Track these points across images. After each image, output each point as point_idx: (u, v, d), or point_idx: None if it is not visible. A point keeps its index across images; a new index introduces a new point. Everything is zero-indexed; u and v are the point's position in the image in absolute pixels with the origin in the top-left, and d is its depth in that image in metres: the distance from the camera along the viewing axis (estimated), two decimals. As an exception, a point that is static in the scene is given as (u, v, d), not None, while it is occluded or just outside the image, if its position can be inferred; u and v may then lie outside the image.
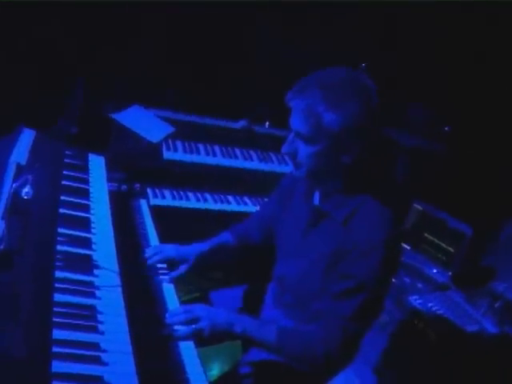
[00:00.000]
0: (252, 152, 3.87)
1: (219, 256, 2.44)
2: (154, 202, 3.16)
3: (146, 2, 3.61)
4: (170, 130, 3.48)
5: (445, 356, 3.14)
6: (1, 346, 1.31)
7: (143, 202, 2.79)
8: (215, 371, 2.36)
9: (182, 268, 2.27)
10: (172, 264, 2.28)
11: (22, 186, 1.63)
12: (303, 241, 2.13)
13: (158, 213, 2.76)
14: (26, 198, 1.64)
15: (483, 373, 3.04)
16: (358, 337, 1.99)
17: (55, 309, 1.55)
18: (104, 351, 1.47)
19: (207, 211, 3.45)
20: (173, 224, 2.55)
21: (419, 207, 3.97)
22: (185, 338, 1.79)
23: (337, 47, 4.40)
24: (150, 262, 2.23)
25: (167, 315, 1.86)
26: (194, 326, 1.82)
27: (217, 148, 3.74)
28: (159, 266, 2.25)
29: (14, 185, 1.61)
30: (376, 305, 1.99)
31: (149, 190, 3.27)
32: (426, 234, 3.91)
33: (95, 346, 1.48)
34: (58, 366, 1.34)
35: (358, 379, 3.48)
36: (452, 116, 4.68)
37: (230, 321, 1.91)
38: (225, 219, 2.71)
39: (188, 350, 1.73)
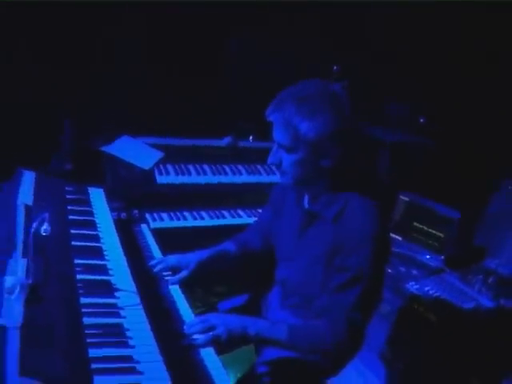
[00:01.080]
0: (240, 166, 3.98)
1: (220, 263, 2.53)
2: (153, 225, 3.25)
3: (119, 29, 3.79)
4: (160, 155, 3.60)
5: (447, 335, 3.23)
6: (45, 371, 1.44)
7: (144, 226, 2.90)
8: (233, 377, 2.46)
9: (184, 273, 2.37)
10: (175, 271, 2.40)
11: (41, 224, 1.76)
12: (299, 243, 2.27)
13: (159, 234, 2.85)
14: (44, 234, 1.78)
15: (484, 346, 3.14)
16: (362, 325, 2.13)
17: (87, 331, 1.69)
18: (137, 362, 1.61)
19: (205, 228, 3.56)
20: (174, 243, 2.58)
21: (405, 198, 4.08)
22: (204, 345, 1.89)
23: (310, 53, 4.58)
24: (155, 270, 2.36)
25: (185, 326, 1.96)
26: (211, 333, 1.92)
27: (206, 167, 3.84)
28: (165, 273, 2.38)
29: (34, 224, 1.73)
30: (374, 294, 2.14)
31: (147, 215, 3.35)
32: (415, 223, 4.03)
33: (129, 359, 1.62)
34: (99, 381, 1.48)
35: (367, 369, 3.64)
36: (426, 108, 4.83)
37: (244, 324, 2.04)
38: (222, 233, 2.74)
39: (209, 356, 1.84)
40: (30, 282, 1.71)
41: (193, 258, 2.43)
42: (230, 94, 4.40)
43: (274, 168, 3.98)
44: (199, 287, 2.48)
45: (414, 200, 4.07)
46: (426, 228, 3.99)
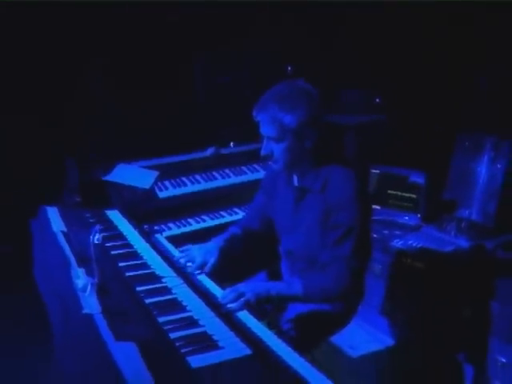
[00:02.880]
0: (227, 170, 4.33)
1: (234, 245, 2.83)
2: (164, 235, 3.48)
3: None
4: (156, 174, 3.94)
5: (435, 278, 3.59)
6: (133, 335, 1.86)
7: (159, 235, 3.24)
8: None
9: (211, 261, 2.64)
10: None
11: (95, 235, 2.19)
12: (296, 216, 2.71)
13: (171, 242, 3.14)
14: (97, 243, 2.20)
15: (468, 279, 3.47)
16: (360, 270, 2.60)
17: (151, 307, 2.14)
18: (197, 319, 2.08)
19: (208, 229, 3.87)
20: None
21: (376, 171, 4.45)
22: (239, 309, 2.23)
23: (264, 55, 4.97)
24: (180, 264, 2.70)
25: (220, 298, 2.29)
26: (242, 299, 2.26)
27: (198, 176, 4.19)
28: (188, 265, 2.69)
29: (91, 236, 2.16)
30: (365, 241, 2.60)
31: (156, 228, 3.59)
32: (389, 191, 4.41)
33: (189, 318, 2.09)
34: (195, 361, 1.79)
35: (371, 325, 4.00)
36: (379, 87, 5.23)
37: (267, 288, 2.45)
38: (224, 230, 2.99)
39: (247, 317, 2.21)
40: (96, 281, 2.15)
41: (212, 246, 2.73)
42: (202, 108, 4.78)
43: (256, 166, 4.45)
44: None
45: (384, 170, 4.45)
46: (399, 193, 4.37)
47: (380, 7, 4.79)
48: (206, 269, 2.65)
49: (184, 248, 2.86)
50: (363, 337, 4.00)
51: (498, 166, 4.05)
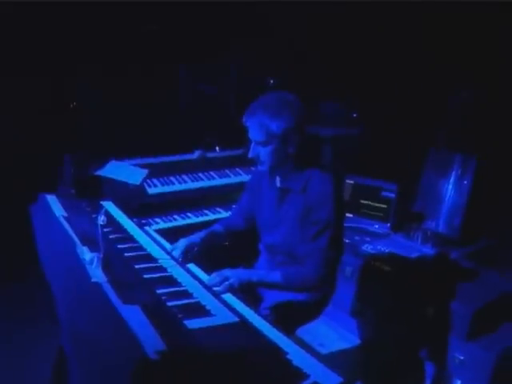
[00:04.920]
0: (212, 172, 4.58)
1: (214, 239, 3.12)
2: (152, 228, 3.66)
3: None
4: (145, 172, 4.17)
5: (402, 281, 3.82)
6: (138, 299, 2.11)
7: (148, 228, 3.44)
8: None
9: (194, 251, 2.94)
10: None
11: (101, 216, 2.44)
12: (277, 214, 2.97)
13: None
14: (102, 223, 2.45)
15: (432, 281, 3.71)
16: (335, 261, 2.86)
17: (152, 282, 2.42)
18: (191, 293, 2.36)
19: (192, 225, 4.08)
20: (171, 240, 3.10)
21: (351, 181, 4.76)
22: (224, 292, 2.47)
23: (247, 69, 5.23)
24: (175, 255, 2.90)
25: (206, 281, 2.53)
26: (226, 282, 2.52)
27: (185, 176, 4.44)
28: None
29: (99, 217, 2.41)
30: (340, 236, 2.87)
31: (144, 221, 3.84)
32: (361, 201, 4.72)
33: (186, 292, 2.37)
34: (190, 324, 2.04)
35: (340, 326, 4.25)
36: (356, 103, 5.46)
37: (249, 274, 2.73)
38: (207, 227, 3.22)
39: (230, 298, 2.44)
40: (101, 255, 2.41)
41: (196, 237, 3.01)
42: (188, 114, 5.04)
43: (238, 170, 4.69)
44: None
45: (358, 181, 4.76)
46: (371, 203, 4.68)
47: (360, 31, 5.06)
48: (190, 256, 2.92)
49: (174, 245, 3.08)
50: (332, 335, 4.26)
51: (465, 182, 4.33)
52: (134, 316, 1.97)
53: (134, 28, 4.64)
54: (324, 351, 4.05)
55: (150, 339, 1.82)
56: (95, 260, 2.37)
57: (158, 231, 3.53)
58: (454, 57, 4.59)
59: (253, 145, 2.80)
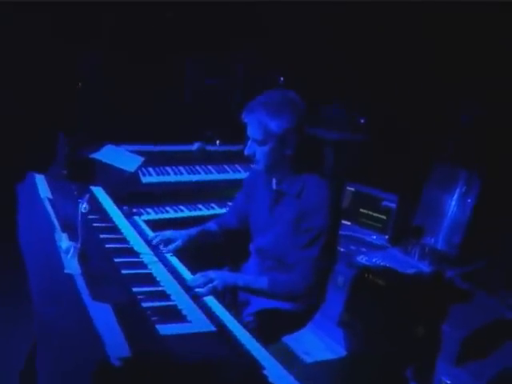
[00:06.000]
0: (210, 166, 4.48)
1: (205, 238, 3.04)
2: (142, 218, 3.57)
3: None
4: (141, 159, 4.05)
5: (394, 296, 3.73)
6: (108, 297, 1.98)
7: (137, 218, 3.38)
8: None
9: (178, 243, 2.86)
10: (169, 243, 2.87)
11: (83, 204, 2.31)
12: (271, 217, 2.86)
13: (147, 225, 3.26)
14: (84, 211, 2.32)
15: (425, 301, 3.62)
16: (325, 272, 2.76)
17: (127, 278, 2.29)
18: (169, 294, 2.22)
19: (184, 219, 3.99)
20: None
21: (351, 189, 4.67)
22: (206, 294, 2.35)
23: (257, 66, 5.12)
24: (153, 242, 2.85)
25: (189, 281, 2.42)
26: (210, 284, 2.40)
27: (182, 168, 4.33)
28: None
29: (80, 204, 2.29)
30: (333, 245, 2.76)
31: (134, 210, 3.71)
32: (361, 209, 4.62)
33: (163, 292, 2.23)
34: (163, 329, 1.91)
35: (327, 335, 4.15)
36: (364, 108, 5.35)
37: (235, 278, 2.62)
38: (199, 223, 3.17)
39: (211, 301, 2.32)
40: (79, 245, 2.28)
41: (184, 232, 2.94)
42: (192, 106, 4.93)
43: (237, 167, 4.60)
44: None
45: (359, 189, 4.67)
46: (370, 213, 4.58)
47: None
48: (171, 247, 2.85)
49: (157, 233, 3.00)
50: (319, 344, 4.16)
51: (468, 200, 4.23)
52: (103, 315, 1.84)
53: (149, 12, 4.50)
54: (309, 360, 3.97)
55: (115, 342, 1.69)
56: (72, 249, 2.24)
57: (148, 222, 3.44)
58: (468, 70, 4.48)
59: (250, 142, 2.70)
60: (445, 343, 3.40)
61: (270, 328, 2.78)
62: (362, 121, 5.33)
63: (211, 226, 3.16)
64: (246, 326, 2.52)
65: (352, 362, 4.02)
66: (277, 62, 5.27)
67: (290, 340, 3.32)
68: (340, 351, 4.10)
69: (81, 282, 2.08)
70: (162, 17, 4.71)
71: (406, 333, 3.63)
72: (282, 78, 5.30)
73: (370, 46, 5.08)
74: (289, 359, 3.88)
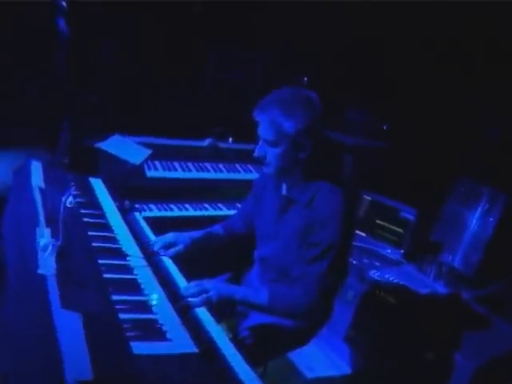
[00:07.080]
0: (220, 165, 4.30)
1: (210, 242, 2.84)
2: (143, 214, 3.44)
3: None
4: (148, 152, 3.86)
5: (405, 316, 3.53)
6: (80, 305, 1.77)
7: (137, 214, 3.17)
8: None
9: (179, 247, 2.64)
10: (171, 247, 2.65)
11: (68, 197, 2.11)
12: (277, 225, 2.64)
13: (148, 223, 3.08)
14: (69, 206, 2.12)
15: (438, 325, 3.43)
16: (331, 290, 2.53)
17: (108, 283, 2.06)
18: (151, 306, 2.00)
19: (188, 218, 3.82)
20: (161, 231, 2.82)
21: (369, 198, 4.46)
22: (199, 305, 2.15)
23: (280, 65, 4.96)
24: (155, 248, 2.62)
25: (182, 290, 2.21)
26: (204, 295, 2.19)
27: (190, 164, 4.15)
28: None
29: (64, 198, 2.08)
30: (342, 261, 2.52)
31: (137, 205, 3.52)
32: (377, 221, 4.40)
33: (144, 303, 2.01)
34: (138, 347, 1.69)
35: (333, 351, 3.95)
36: (388, 115, 5.18)
37: (232, 290, 2.38)
38: (204, 223, 2.99)
39: (203, 314, 2.11)
40: (59, 242, 2.07)
41: (187, 235, 2.72)
42: (208, 100, 4.76)
43: (250, 167, 4.39)
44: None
45: (377, 199, 4.45)
46: (387, 225, 4.36)
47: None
48: (170, 252, 2.63)
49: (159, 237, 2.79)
50: (322, 360, 3.96)
51: (491, 219, 4.01)
52: (69, 326, 1.62)
53: (178, 4, 4.35)
54: (310, 375, 3.78)
55: (77, 361, 1.47)
56: (50, 247, 2.03)
57: (149, 218, 3.29)
58: (495, 82, 4.35)
59: (261, 143, 2.48)
60: (455, 373, 3.19)
61: (267, 345, 2.59)
62: (385, 127, 5.11)
63: (217, 229, 2.95)
64: (241, 341, 2.43)
65: (355, 380, 3.84)
66: (302, 62, 5.14)
67: (293, 353, 3.13)
68: (345, 369, 3.91)
69: (52, 285, 1.87)
70: (191, 11, 4.62)
71: (415, 356, 3.44)
72: (305, 79, 5.10)
73: (401, 54, 4.99)
74: (289, 373, 3.72)
